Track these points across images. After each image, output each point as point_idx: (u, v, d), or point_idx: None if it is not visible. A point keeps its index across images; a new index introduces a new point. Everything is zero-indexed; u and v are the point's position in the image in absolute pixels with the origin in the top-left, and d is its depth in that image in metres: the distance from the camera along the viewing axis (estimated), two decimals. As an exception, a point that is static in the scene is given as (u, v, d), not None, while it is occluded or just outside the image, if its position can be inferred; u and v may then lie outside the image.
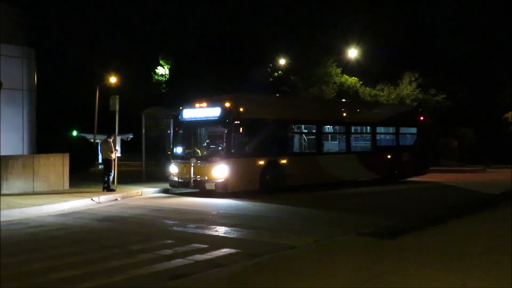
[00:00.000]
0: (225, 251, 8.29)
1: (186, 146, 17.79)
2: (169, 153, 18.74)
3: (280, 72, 41.23)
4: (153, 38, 52.93)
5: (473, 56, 41.32)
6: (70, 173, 17.99)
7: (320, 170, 18.89)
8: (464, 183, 21.79)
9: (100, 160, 25.85)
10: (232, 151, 16.14)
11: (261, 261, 7.13)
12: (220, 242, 9.05)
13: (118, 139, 18.06)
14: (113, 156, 17.05)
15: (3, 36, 18.89)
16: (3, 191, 15.81)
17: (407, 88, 37.42)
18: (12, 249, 8.57)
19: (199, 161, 16.49)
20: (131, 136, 36.00)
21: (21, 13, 21.11)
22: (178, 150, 17.69)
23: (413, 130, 23.24)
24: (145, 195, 16.98)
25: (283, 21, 49.70)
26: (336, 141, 20.89)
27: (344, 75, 39.72)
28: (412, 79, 37.47)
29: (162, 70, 54.84)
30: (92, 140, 32.05)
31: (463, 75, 40.39)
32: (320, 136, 19.65)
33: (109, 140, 17.27)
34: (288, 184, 17.58)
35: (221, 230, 10.35)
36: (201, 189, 16.52)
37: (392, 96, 37.38)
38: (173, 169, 17.24)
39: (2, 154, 16.74)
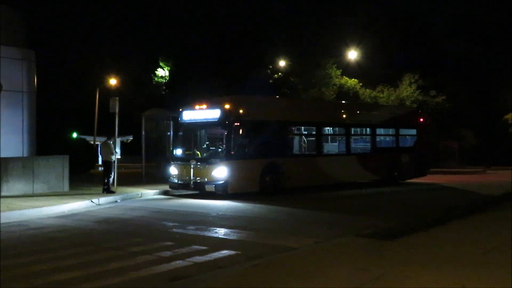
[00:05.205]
0: (225, 252, 8.29)
1: (186, 148, 17.79)
2: (169, 155, 18.74)
3: (280, 73, 41.23)
4: (153, 40, 53.00)
5: (473, 58, 41.32)
6: (70, 175, 17.98)
7: (320, 171, 18.88)
8: (464, 185, 21.79)
9: (100, 162, 25.84)
10: (232, 152, 16.13)
11: (261, 263, 7.12)
12: (220, 243, 9.05)
13: (118, 141, 18.04)
14: (113, 158, 17.06)
15: (3, 38, 18.88)
16: (3, 193, 15.80)
17: (407, 89, 37.45)
18: (12, 251, 8.56)
19: (199, 163, 16.50)
20: (131, 138, 35.95)
21: (21, 15, 21.09)
22: (178, 152, 17.68)
23: (413, 131, 23.21)
24: (144, 197, 16.97)
25: (283, 23, 49.77)
26: (336, 142, 20.88)
27: (344, 76, 39.73)
28: (412, 81, 37.50)
29: (162, 72, 54.84)
30: (92, 142, 32.03)
31: (463, 76, 40.40)
32: (320, 137, 19.63)
33: (109, 142, 17.28)
34: (288, 186, 17.57)
35: (221, 232, 10.34)
36: (201, 191, 16.53)
37: (392, 98, 37.41)
38: (173, 170, 17.25)
39: (2, 156, 16.75)
